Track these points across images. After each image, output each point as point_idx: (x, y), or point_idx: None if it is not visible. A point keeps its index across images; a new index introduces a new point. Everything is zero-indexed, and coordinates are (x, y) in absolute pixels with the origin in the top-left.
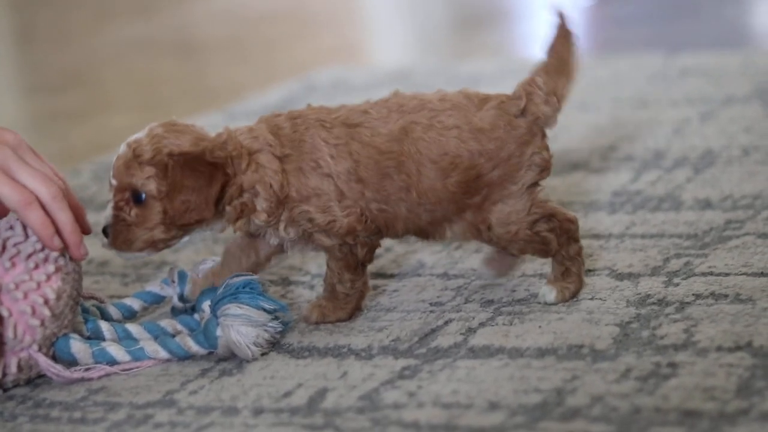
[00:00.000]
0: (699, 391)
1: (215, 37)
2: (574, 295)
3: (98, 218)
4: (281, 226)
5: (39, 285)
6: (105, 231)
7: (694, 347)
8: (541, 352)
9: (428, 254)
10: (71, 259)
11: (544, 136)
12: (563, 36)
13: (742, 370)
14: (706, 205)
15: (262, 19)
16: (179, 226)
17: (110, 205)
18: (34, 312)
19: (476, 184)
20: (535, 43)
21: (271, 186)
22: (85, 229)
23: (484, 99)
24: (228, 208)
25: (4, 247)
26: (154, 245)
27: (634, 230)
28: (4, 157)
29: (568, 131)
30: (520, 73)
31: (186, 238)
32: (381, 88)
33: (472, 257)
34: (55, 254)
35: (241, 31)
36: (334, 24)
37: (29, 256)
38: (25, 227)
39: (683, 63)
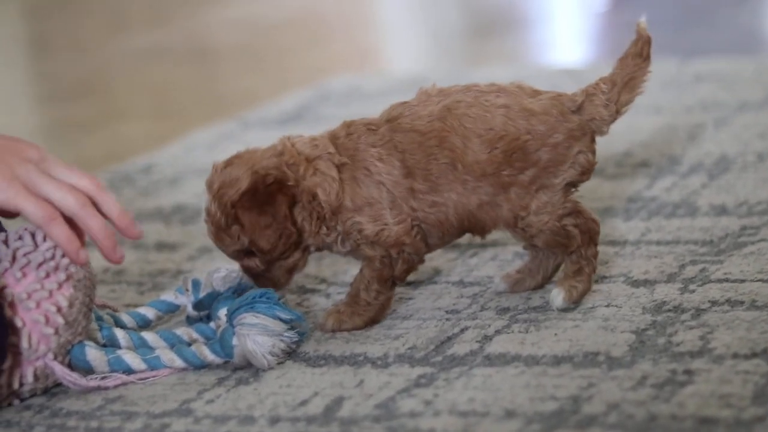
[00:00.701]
0: (715, 398)
1: (228, 44)
2: (582, 295)
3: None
4: (339, 239)
5: (51, 293)
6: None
7: (710, 354)
8: (557, 360)
9: (444, 261)
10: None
11: (593, 139)
12: (641, 55)
13: (759, 377)
14: (722, 211)
15: (276, 26)
16: (285, 253)
17: (240, 271)
18: (47, 320)
19: (522, 157)
20: (549, 50)
21: (327, 192)
22: (132, 234)
23: (538, 91)
24: (305, 216)
25: (14, 258)
26: (295, 270)
27: (649, 237)
28: (26, 173)
29: None
30: (535, 80)
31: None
32: (395, 95)
33: (488, 265)
34: (65, 261)
35: (254, 39)
36: (348, 31)
37: (40, 265)
38: (34, 236)
39: (697, 69)
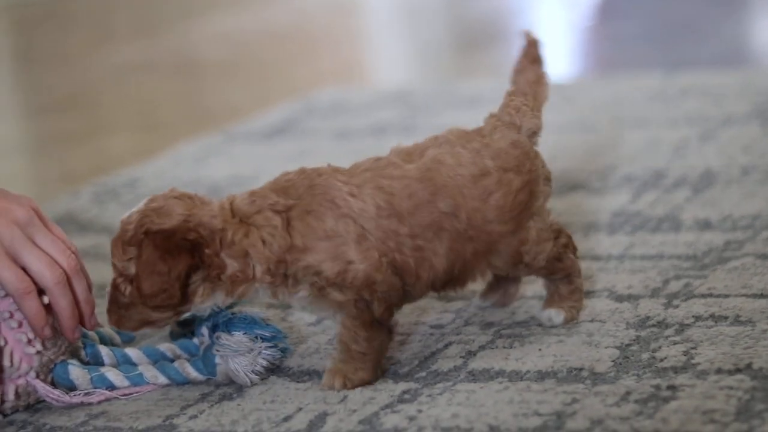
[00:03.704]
0: (699, 414)
1: (214, 58)
2: (579, 313)
3: (99, 240)
4: (289, 284)
5: None
6: None
7: (693, 370)
8: (541, 375)
9: None
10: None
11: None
12: (533, 60)
13: (742, 392)
14: (706, 225)
15: (262, 40)
16: (157, 308)
17: (111, 283)
18: (29, 340)
19: (514, 199)
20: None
21: (265, 244)
22: (89, 324)
23: (478, 129)
24: (204, 286)
25: None
26: (152, 324)
27: (633, 251)
28: (11, 239)
29: (568, 152)
30: None
31: (188, 314)
32: (381, 109)
33: None
34: None
35: (240, 53)
36: (334, 45)
37: None
38: None
39: (683, 82)
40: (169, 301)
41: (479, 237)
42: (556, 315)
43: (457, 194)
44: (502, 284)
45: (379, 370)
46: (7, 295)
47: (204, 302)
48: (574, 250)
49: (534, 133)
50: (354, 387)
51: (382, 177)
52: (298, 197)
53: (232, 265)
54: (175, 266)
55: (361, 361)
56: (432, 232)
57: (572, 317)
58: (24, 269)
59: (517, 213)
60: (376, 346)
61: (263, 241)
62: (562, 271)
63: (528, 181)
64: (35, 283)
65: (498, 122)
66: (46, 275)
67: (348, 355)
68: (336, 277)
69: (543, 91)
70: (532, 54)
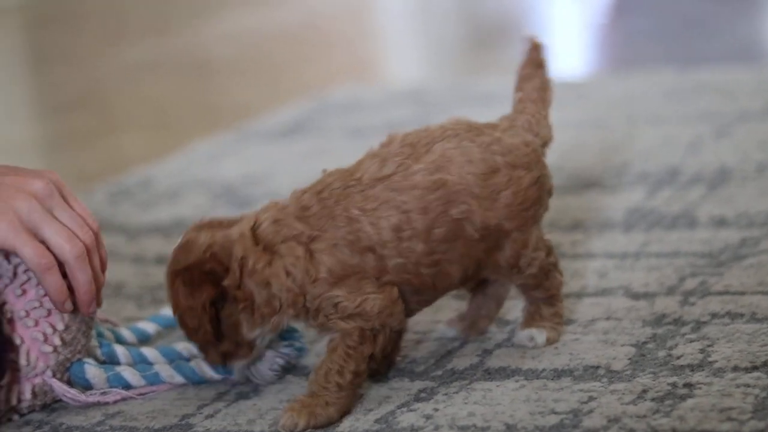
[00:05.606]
0: (715, 411)
1: (226, 57)
2: (560, 336)
3: (113, 240)
4: (310, 314)
5: (50, 312)
6: None
7: (710, 367)
8: (558, 373)
9: None
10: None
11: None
12: (538, 66)
13: (759, 390)
14: (721, 222)
15: (274, 39)
16: (208, 343)
17: None
18: (45, 339)
19: (524, 197)
20: (548, 61)
21: (288, 274)
22: (98, 285)
23: (489, 124)
24: (243, 317)
25: (15, 274)
26: (233, 357)
27: (649, 249)
28: (28, 212)
29: (582, 149)
30: None
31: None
32: (395, 107)
33: None
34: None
35: (252, 51)
36: (347, 43)
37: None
38: None
39: (697, 79)
40: (205, 336)
41: (491, 236)
42: (539, 334)
43: (469, 197)
44: (473, 314)
45: (347, 412)
46: (23, 293)
47: (253, 333)
48: (561, 273)
49: (545, 144)
50: (319, 426)
51: (394, 191)
52: (320, 228)
53: (259, 294)
54: (199, 299)
55: (335, 396)
56: (447, 243)
57: (554, 338)
58: (44, 243)
59: (526, 210)
60: (356, 384)
61: (287, 272)
62: (547, 290)
63: (538, 178)
64: (55, 257)
65: (514, 123)
66: (66, 249)
67: (321, 387)
68: (355, 308)
69: (549, 97)
70: (536, 59)
